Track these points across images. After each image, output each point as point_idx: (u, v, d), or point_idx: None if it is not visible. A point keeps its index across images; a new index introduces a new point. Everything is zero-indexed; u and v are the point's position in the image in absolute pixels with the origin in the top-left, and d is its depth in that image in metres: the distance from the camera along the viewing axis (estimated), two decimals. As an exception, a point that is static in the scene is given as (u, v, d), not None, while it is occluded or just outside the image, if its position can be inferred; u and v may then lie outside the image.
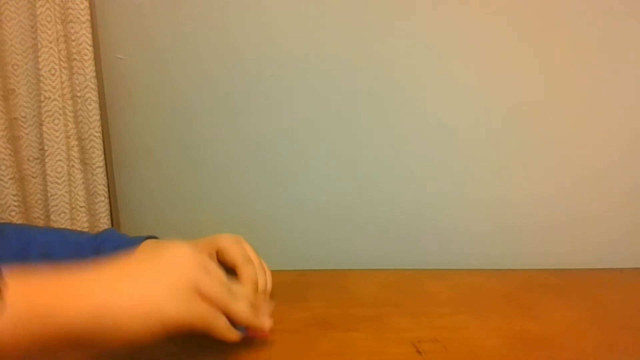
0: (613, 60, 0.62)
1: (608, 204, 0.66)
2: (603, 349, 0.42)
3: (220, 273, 0.38)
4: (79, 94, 0.65)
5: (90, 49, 0.64)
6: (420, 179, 0.67)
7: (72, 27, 0.63)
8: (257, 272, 0.46)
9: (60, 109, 0.64)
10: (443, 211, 0.68)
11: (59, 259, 0.46)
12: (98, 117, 0.66)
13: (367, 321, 0.48)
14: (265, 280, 0.47)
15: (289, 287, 0.57)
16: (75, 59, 0.64)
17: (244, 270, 0.45)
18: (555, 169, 0.65)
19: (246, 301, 0.38)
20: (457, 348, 0.42)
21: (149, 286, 0.32)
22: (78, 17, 0.63)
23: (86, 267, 0.32)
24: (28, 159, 0.66)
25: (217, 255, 0.48)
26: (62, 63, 0.64)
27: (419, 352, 0.41)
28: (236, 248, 0.47)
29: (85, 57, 0.64)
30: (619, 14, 0.61)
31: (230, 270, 0.46)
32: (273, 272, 0.59)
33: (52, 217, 0.66)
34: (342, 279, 0.61)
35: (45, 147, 0.64)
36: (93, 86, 0.65)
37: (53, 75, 0.63)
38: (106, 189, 0.69)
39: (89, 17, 0.64)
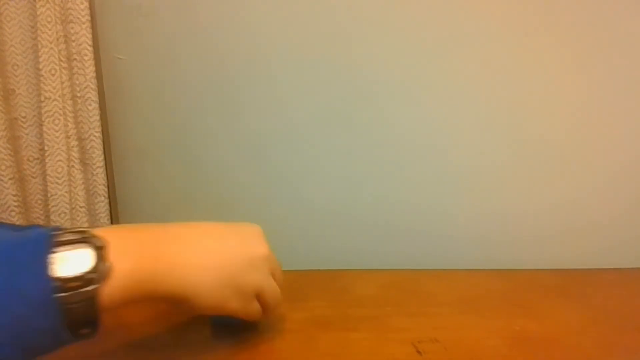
0: (616, 64, 0.62)
1: (608, 206, 0.66)
2: (603, 349, 0.42)
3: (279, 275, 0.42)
4: (79, 94, 0.65)
5: (90, 49, 0.64)
6: (420, 181, 0.67)
7: (72, 28, 0.63)
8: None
9: (60, 109, 0.64)
10: (443, 213, 0.68)
11: None
12: (98, 117, 0.66)
13: (367, 321, 0.48)
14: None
15: (289, 287, 0.57)
16: (75, 59, 0.64)
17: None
18: (555, 172, 0.65)
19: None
20: (457, 348, 0.42)
21: (222, 282, 0.36)
22: (78, 18, 0.63)
23: (175, 232, 0.36)
24: (28, 159, 0.66)
25: None
26: (62, 63, 0.64)
27: (419, 352, 0.41)
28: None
29: (85, 58, 0.64)
30: (622, 15, 0.61)
31: None
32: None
33: (52, 217, 0.66)
34: (342, 279, 0.60)
35: (45, 147, 0.64)
36: (93, 86, 0.65)
37: (53, 75, 0.63)
38: (106, 189, 0.69)
39: (89, 18, 0.64)
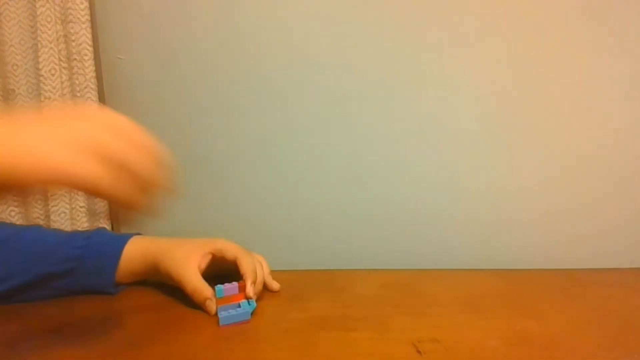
0: (609, 57, 0.62)
1: (608, 204, 0.66)
2: (603, 349, 0.42)
3: (140, 140, 0.35)
4: (79, 94, 0.65)
5: (90, 49, 0.64)
6: (421, 180, 0.67)
7: (72, 27, 0.63)
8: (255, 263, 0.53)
9: (60, 109, 0.64)
10: (443, 211, 0.67)
11: (49, 248, 0.52)
12: (98, 117, 0.66)
13: (367, 321, 0.48)
14: (262, 272, 0.55)
15: (289, 287, 0.57)
16: (75, 59, 0.64)
17: (244, 261, 0.51)
18: (555, 170, 0.65)
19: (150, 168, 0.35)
20: (457, 348, 0.42)
21: (41, 138, 0.30)
22: (78, 17, 0.63)
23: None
24: (28, 159, 0.66)
25: (217, 253, 0.53)
26: (62, 63, 0.64)
27: (419, 352, 0.41)
28: (234, 245, 0.53)
29: (85, 57, 0.64)
30: (615, 14, 0.61)
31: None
32: (273, 272, 0.59)
33: (52, 217, 0.65)
34: (342, 279, 0.60)
35: (45, 147, 0.64)
36: (93, 86, 0.65)
37: (53, 75, 0.63)
38: (106, 189, 0.69)
39: (89, 17, 0.64)
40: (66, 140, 0.30)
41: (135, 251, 0.54)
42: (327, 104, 0.66)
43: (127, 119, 0.35)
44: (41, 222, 0.68)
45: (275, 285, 0.56)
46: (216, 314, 0.47)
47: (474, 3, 0.62)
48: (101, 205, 0.68)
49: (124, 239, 0.54)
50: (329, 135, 0.67)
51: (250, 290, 0.49)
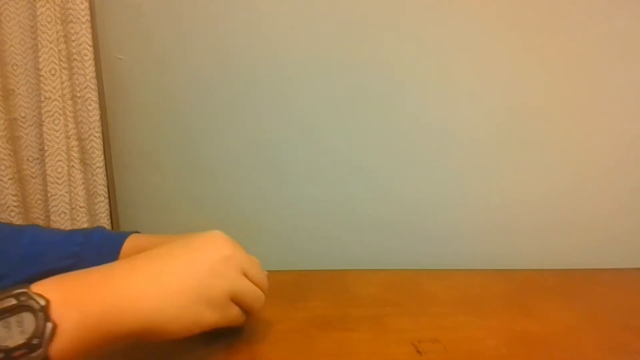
0: (613, 61, 0.62)
1: (607, 204, 0.66)
2: (603, 349, 0.42)
3: (255, 265, 0.42)
4: (79, 94, 0.65)
5: (90, 49, 0.64)
6: (420, 179, 0.67)
7: (72, 28, 0.63)
8: None
9: (60, 109, 0.64)
10: (443, 211, 0.68)
11: (48, 245, 0.49)
12: (98, 118, 0.66)
13: (367, 321, 0.48)
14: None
15: (289, 287, 0.57)
16: (75, 59, 0.64)
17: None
18: (554, 169, 0.65)
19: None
20: (457, 348, 0.42)
21: (189, 297, 0.35)
22: (78, 18, 0.63)
23: (124, 266, 0.35)
24: (28, 159, 0.66)
25: None
26: (62, 63, 0.64)
27: (419, 352, 0.41)
28: None
29: (85, 58, 0.64)
30: (619, 14, 0.61)
31: None
32: (273, 272, 0.59)
33: (52, 217, 0.66)
34: (342, 279, 0.61)
35: (45, 148, 0.64)
36: (93, 86, 0.65)
37: (53, 75, 0.63)
38: (106, 189, 0.69)
39: (89, 18, 0.64)
40: (212, 302, 0.36)
41: (131, 249, 0.51)
42: (327, 105, 0.66)
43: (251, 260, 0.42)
44: (41, 222, 0.68)
45: None
46: None
47: (477, 4, 0.62)
48: (101, 205, 0.68)
49: (122, 237, 0.52)
50: (329, 135, 0.67)
51: None
